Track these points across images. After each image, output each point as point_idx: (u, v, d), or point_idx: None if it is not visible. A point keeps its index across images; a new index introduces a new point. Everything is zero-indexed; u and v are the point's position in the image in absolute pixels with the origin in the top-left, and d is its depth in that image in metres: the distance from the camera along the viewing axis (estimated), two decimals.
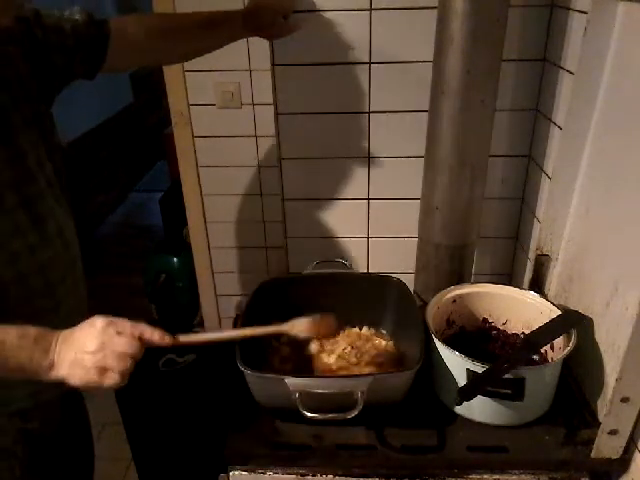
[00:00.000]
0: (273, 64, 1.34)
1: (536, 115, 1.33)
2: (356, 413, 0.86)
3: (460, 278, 1.24)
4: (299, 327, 0.88)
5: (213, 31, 1.10)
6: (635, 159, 0.86)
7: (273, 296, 1.14)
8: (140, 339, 0.74)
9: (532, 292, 1.09)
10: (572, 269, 1.08)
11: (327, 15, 1.28)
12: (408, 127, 1.38)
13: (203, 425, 1.38)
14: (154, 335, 0.75)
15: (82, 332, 0.73)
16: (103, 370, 0.71)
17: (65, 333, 0.73)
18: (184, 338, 0.81)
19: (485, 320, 1.13)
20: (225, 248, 1.68)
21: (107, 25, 0.95)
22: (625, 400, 0.84)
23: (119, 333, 0.72)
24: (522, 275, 1.45)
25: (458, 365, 0.93)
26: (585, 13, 0.97)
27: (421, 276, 1.29)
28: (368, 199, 1.49)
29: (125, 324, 0.74)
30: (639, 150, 0.85)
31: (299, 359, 1.10)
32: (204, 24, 1.08)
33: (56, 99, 0.93)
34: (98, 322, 0.73)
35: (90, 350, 0.70)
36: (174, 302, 2.26)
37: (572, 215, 1.09)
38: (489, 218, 1.44)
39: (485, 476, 0.90)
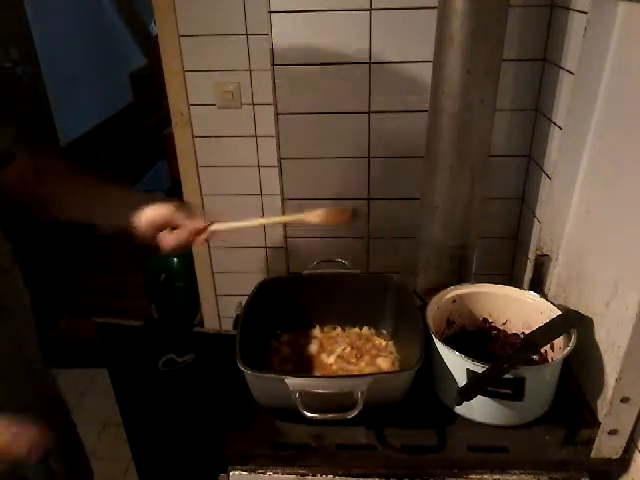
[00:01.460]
0: (273, 64, 1.34)
1: (536, 115, 1.33)
2: (356, 413, 0.85)
3: (460, 278, 1.24)
4: (313, 215, 0.95)
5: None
6: (635, 159, 0.86)
7: (273, 296, 1.14)
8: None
9: (532, 292, 1.09)
10: (572, 269, 1.07)
11: (327, 15, 1.28)
12: (408, 127, 1.38)
13: (203, 425, 1.38)
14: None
15: None
16: None
17: None
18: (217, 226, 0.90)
19: (485, 320, 1.13)
20: (225, 248, 1.69)
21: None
22: (625, 400, 0.84)
23: None
24: (522, 275, 1.45)
25: (458, 365, 0.93)
26: (585, 13, 0.97)
27: (421, 276, 1.29)
28: (368, 199, 1.49)
29: None
30: (639, 150, 0.85)
31: (299, 359, 1.10)
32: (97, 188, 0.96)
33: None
34: None
35: None
36: (174, 302, 2.26)
37: (572, 215, 1.08)
38: (489, 218, 1.44)
39: (485, 476, 0.90)
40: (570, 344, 0.92)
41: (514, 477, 0.90)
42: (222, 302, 1.76)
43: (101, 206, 0.96)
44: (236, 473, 0.92)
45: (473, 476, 0.90)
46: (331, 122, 1.40)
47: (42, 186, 0.94)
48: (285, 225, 1.54)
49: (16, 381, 0.84)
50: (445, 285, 1.11)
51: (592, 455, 0.89)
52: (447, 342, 0.95)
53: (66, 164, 0.99)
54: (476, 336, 1.12)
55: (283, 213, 1.53)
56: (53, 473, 0.92)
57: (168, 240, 0.91)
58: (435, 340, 0.96)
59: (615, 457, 0.89)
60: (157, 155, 3.95)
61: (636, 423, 0.86)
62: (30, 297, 0.90)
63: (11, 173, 0.89)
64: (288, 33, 1.30)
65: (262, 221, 0.98)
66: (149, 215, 0.90)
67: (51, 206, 0.95)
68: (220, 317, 1.81)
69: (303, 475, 0.92)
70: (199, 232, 0.92)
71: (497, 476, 0.90)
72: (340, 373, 1.06)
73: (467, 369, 0.90)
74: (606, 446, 0.88)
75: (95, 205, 0.95)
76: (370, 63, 1.32)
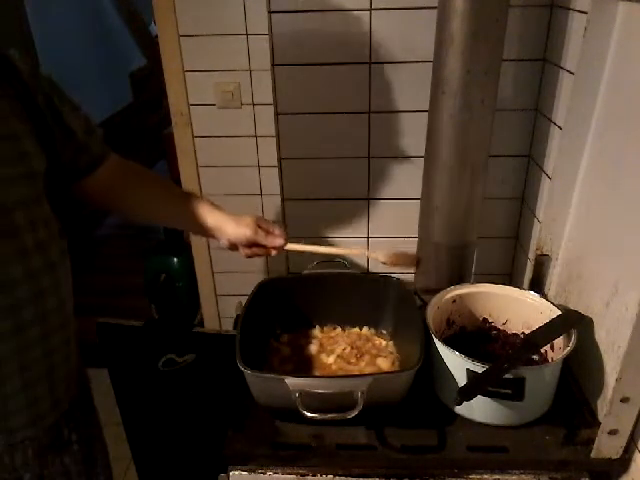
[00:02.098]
0: (273, 64, 1.34)
1: (536, 115, 1.33)
2: (356, 413, 0.86)
3: (460, 278, 1.24)
4: (380, 254, 1.06)
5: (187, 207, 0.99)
6: (635, 159, 0.86)
7: (273, 296, 1.15)
8: None
9: (532, 292, 1.09)
10: (572, 269, 1.08)
11: (327, 15, 1.28)
12: (408, 127, 1.38)
13: (203, 425, 1.38)
14: None
15: None
16: None
17: None
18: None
19: (485, 320, 1.13)
20: (225, 248, 1.68)
21: (108, 149, 0.94)
22: (625, 400, 0.84)
23: None
24: (522, 275, 1.45)
25: (458, 365, 0.93)
26: (585, 13, 0.97)
27: (421, 276, 1.29)
28: (368, 199, 1.49)
29: None
30: (639, 150, 0.85)
31: (299, 359, 1.10)
32: (183, 197, 1.02)
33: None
34: None
35: None
36: (174, 302, 2.26)
37: (572, 215, 1.09)
38: (489, 218, 1.44)
39: (485, 476, 0.90)
40: (570, 344, 0.92)
41: (514, 477, 0.90)
42: (222, 302, 1.76)
43: (184, 214, 0.99)
44: (236, 473, 0.92)
45: (473, 476, 0.90)
46: (331, 122, 1.40)
47: (126, 184, 0.98)
48: (285, 225, 1.54)
49: (39, 392, 0.83)
50: (445, 285, 1.12)
51: (592, 455, 0.89)
52: (447, 342, 0.95)
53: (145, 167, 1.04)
54: (476, 336, 1.12)
55: (283, 213, 1.53)
56: (69, 472, 0.92)
57: (247, 253, 1.02)
58: (435, 340, 0.96)
59: (615, 457, 0.89)
60: (157, 155, 3.95)
61: (636, 423, 0.86)
62: (73, 301, 0.89)
63: (104, 171, 0.93)
64: (288, 33, 1.30)
65: (332, 250, 1.06)
66: (232, 236, 0.99)
67: (132, 205, 1.00)
68: (220, 317, 1.80)
69: (303, 475, 0.92)
70: (275, 248, 1.01)
71: (497, 476, 0.90)
72: (340, 373, 1.06)
73: (467, 369, 0.90)
74: (606, 446, 0.88)
75: (179, 212, 1.00)
76: (370, 63, 1.32)
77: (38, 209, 0.79)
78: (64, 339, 0.86)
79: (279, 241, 1.00)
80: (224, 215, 0.99)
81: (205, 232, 1.01)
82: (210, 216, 0.99)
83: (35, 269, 0.78)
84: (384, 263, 1.06)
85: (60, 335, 0.84)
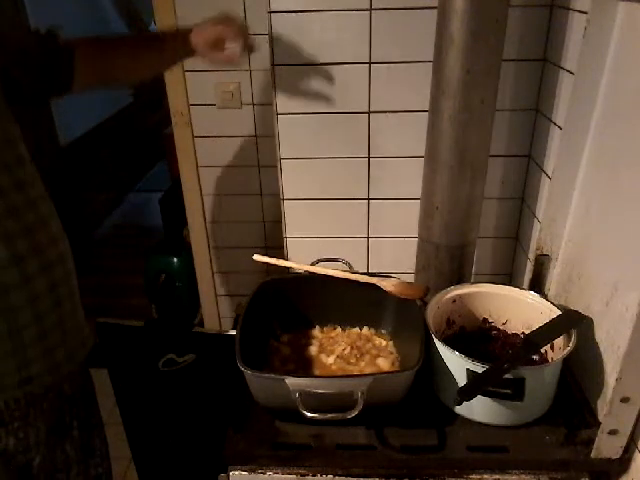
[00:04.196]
0: (273, 64, 1.34)
1: (536, 115, 1.33)
2: (356, 413, 0.86)
3: (460, 278, 1.24)
4: (388, 284, 1.08)
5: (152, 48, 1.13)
6: (635, 159, 0.86)
7: (273, 296, 1.15)
8: None
9: (532, 292, 1.09)
10: (572, 269, 1.08)
11: (327, 15, 1.28)
12: (408, 127, 1.38)
13: (203, 425, 1.38)
14: None
15: None
16: None
17: None
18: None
19: (485, 320, 1.13)
20: (225, 248, 1.68)
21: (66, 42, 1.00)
22: (625, 400, 0.84)
23: None
24: (522, 275, 1.45)
25: (458, 365, 0.93)
26: (585, 13, 0.97)
27: (421, 276, 1.29)
28: (368, 199, 1.49)
29: None
30: (639, 150, 0.85)
31: (299, 359, 1.10)
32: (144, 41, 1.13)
33: (56, 99, 0.94)
34: None
35: None
36: (174, 302, 2.27)
37: (572, 215, 1.09)
38: (489, 218, 1.44)
39: (485, 476, 0.90)
40: (570, 344, 0.92)
41: (514, 477, 0.90)
42: (222, 302, 1.76)
43: (160, 53, 1.13)
44: (236, 473, 0.92)
45: (473, 476, 0.90)
46: (331, 122, 1.40)
47: (103, 60, 1.10)
48: (285, 225, 1.55)
49: (53, 342, 0.88)
50: (445, 285, 1.12)
51: (592, 455, 0.89)
52: (447, 342, 0.95)
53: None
54: (476, 336, 1.12)
55: (283, 214, 1.53)
56: (69, 458, 0.95)
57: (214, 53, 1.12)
58: (435, 340, 0.96)
59: (615, 457, 0.89)
60: (157, 155, 3.96)
61: (636, 423, 0.86)
62: (70, 247, 0.95)
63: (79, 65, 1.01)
64: (288, 33, 1.30)
65: (340, 274, 1.09)
66: (197, 31, 1.11)
67: (116, 72, 1.16)
68: (220, 317, 1.81)
69: (303, 475, 0.92)
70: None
71: (497, 476, 0.90)
72: (340, 373, 1.06)
73: (467, 369, 0.90)
74: (606, 446, 0.88)
75: (154, 55, 1.13)
76: (370, 63, 1.32)
77: (23, 170, 0.85)
78: (69, 291, 0.92)
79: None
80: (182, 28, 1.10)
81: (184, 50, 1.11)
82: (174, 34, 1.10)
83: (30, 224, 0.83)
84: (392, 293, 1.09)
85: (65, 287, 0.90)
